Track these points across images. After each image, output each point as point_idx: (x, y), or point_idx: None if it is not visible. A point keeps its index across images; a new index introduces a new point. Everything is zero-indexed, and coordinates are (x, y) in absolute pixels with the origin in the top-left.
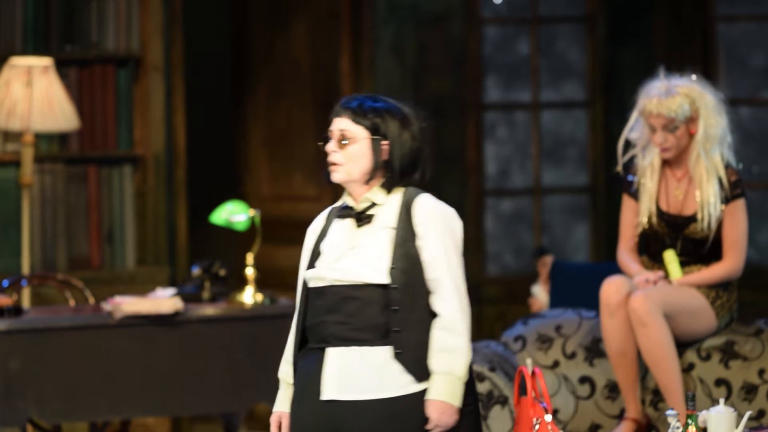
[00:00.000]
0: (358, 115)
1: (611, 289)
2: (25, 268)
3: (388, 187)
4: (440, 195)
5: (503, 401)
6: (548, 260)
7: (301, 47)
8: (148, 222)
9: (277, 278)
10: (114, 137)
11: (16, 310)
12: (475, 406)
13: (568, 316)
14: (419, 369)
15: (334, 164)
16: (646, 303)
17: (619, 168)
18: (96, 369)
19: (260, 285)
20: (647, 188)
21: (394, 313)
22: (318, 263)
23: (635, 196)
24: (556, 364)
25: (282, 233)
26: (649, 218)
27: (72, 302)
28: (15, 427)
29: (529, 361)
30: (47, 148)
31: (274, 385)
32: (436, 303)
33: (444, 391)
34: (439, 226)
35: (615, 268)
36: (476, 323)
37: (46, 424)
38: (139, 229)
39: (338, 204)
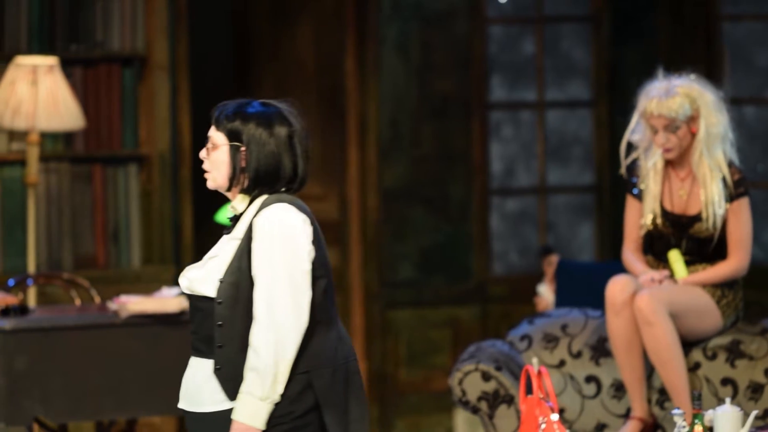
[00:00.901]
0: (219, 121)
1: (617, 288)
2: (31, 268)
3: (247, 194)
4: (445, 194)
5: (509, 400)
6: (554, 259)
7: (305, 46)
8: (154, 221)
9: None
10: (119, 136)
11: (22, 310)
12: (289, 427)
13: (574, 315)
14: (234, 387)
15: (205, 171)
16: (652, 302)
17: (623, 171)
18: (102, 368)
19: None
20: (651, 190)
21: (219, 328)
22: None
23: (639, 197)
24: (562, 364)
25: None
26: (654, 219)
27: (77, 301)
28: (21, 426)
29: (535, 361)
30: (52, 147)
31: None
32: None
33: (243, 412)
34: (269, 241)
35: (620, 267)
36: (481, 322)
37: (52, 423)
38: (145, 228)
39: None
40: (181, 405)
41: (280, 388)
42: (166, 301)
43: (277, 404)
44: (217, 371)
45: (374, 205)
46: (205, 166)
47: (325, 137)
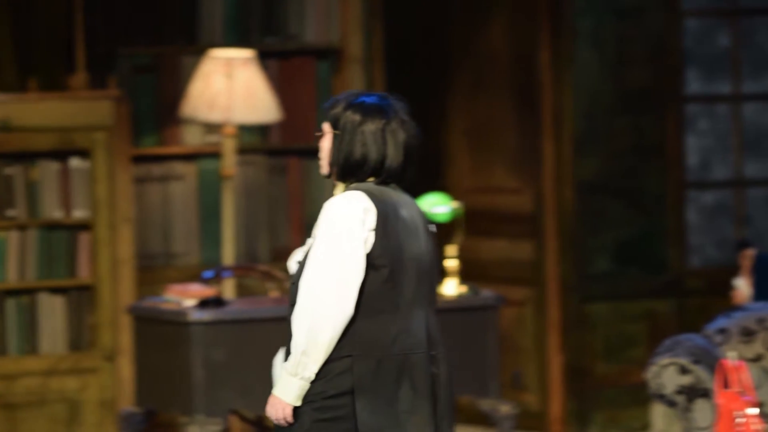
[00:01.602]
0: (327, 109)
1: None
2: (228, 260)
3: (341, 182)
4: (640, 187)
5: (706, 394)
6: (750, 253)
7: (500, 40)
8: None
9: (479, 270)
10: (314, 129)
11: (219, 302)
12: (318, 405)
13: None
14: None
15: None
16: None
17: None
18: None
19: (462, 277)
20: None
21: (290, 308)
22: None
23: None
24: (759, 358)
25: (483, 225)
26: None
27: (274, 293)
28: (218, 417)
29: (732, 354)
30: (248, 139)
31: (477, 377)
32: None
33: (278, 386)
34: (322, 227)
35: None
36: (678, 316)
37: (250, 415)
38: None
39: None
40: None
41: (313, 368)
42: None
43: (313, 383)
44: (285, 351)
45: (569, 198)
46: (320, 154)
47: (520, 131)
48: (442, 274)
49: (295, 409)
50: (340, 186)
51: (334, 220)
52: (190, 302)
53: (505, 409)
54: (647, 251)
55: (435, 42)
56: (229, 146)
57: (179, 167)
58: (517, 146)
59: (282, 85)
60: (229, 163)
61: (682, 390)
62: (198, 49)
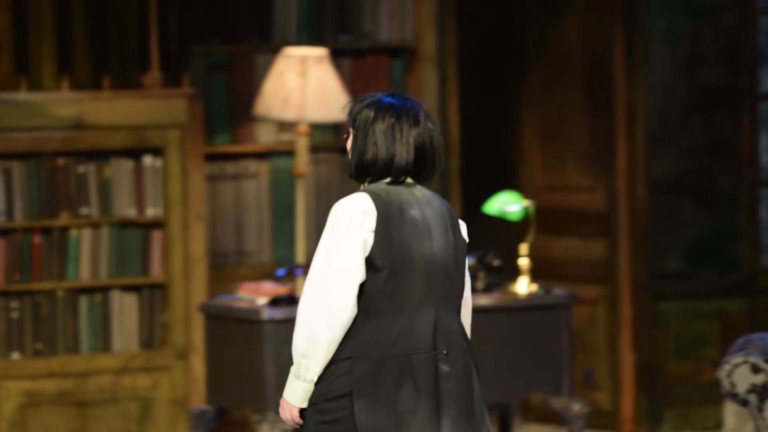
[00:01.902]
0: (347, 110)
1: None
2: (300, 258)
3: (359, 182)
4: (714, 186)
5: None
6: None
7: (574, 38)
8: None
9: (551, 269)
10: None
11: (291, 299)
12: (321, 407)
13: None
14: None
15: None
16: None
17: None
18: None
19: (534, 275)
20: None
21: None
22: None
23: None
24: None
25: (555, 224)
26: None
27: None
28: None
29: None
30: (321, 138)
31: (549, 376)
32: None
33: (285, 388)
34: (325, 228)
35: None
36: (750, 315)
37: None
38: None
39: None
40: None
41: (314, 369)
42: None
43: (316, 384)
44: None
45: (642, 197)
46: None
47: (593, 129)
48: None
49: (302, 411)
50: (360, 186)
51: (333, 224)
52: (262, 300)
53: (577, 407)
54: (720, 250)
55: (508, 40)
56: (302, 144)
57: (252, 165)
58: (590, 144)
59: (355, 83)
60: (302, 161)
61: (754, 389)
62: (272, 47)
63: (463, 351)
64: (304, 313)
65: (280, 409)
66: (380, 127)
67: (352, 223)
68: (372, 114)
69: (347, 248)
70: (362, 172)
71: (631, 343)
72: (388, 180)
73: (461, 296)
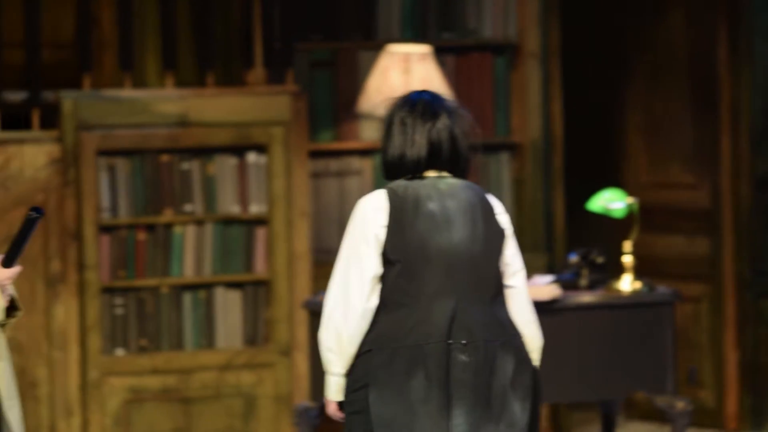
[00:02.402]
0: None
1: None
2: None
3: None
4: None
5: None
6: None
7: (678, 34)
8: (526, 209)
9: (655, 266)
10: (491, 124)
11: None
12: (348, 399)
13: None
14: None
15: None
16: None
17: None
18: None
19: (637, 273)
20: None
21: None
22: None
23: None
24: None
25: (659, 221)
26: None
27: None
28: None
29: None
30: None
31: (652, 373)
32: None
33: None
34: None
35: None
36: None
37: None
38: (517, 215)
39: None
40: None
41: (340, 363)
42: (539, 288)
43: (346, 377)
44: None
45: (746, 194)
46: None
47: (697, 126)
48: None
49: (341, 404)
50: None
51: (349, 222)
52: None
53: (680, 405)
54: None
55: (612, 37)
56: None
57: (355, 162)
58: (694, 142)
59: (459, 80)
60: None
61: None
62: (375, 44)
63: (485, 341)
64: (326, 309)
65: (326, 405)
66: (396, 125)
67: (363, 220)
68: (390, 114)
69: (358, 244)
70: (389, 171)
71: (735, 341)
72: (410, 175)
73: (495, 286)
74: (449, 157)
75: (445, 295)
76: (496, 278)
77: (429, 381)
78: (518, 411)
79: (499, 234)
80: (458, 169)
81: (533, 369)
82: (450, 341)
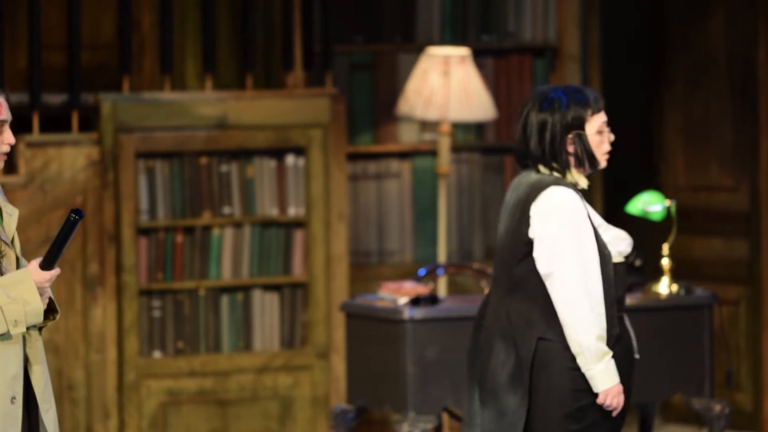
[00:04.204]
0: None
1: None
2: (441, 257)
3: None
4: None
5: None
6: None
7: (717, 36)
8: None
9: (693, 269)
10: None
11: (432, 299)
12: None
13: None
14: None
15: (608, 154)
16: None
17: None
18: None
19: (675, 275)
20: None
21: None
22: (611, 240)
23: None
24: None
25: (698, 224)
26: None
27: (487, 291)
28: (430, 414)
29: None
30: (464, 137)
31: (690, 376)
32: None
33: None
34: None
35: None
36: None
37: (462, 413)
38: None
39: (575, 185)
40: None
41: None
42: None
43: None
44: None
45: None
46: (609, 149)
47: (737, 128)
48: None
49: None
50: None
51: None
52: (403, 300)
53: (718, 408)
54: None
55: (652, 38)
56: (444, 144)
57: (394, 165)
58: (733, 144)
59: (498, 83)
60: (445, 160)
61: None
62: (415, 46)
63: (486, 327)
64: None
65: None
66: (522, 114)
67: None
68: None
69: None
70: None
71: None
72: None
73: (512, 279)
74: (538, 150)
75: (494, 285)
76: (516, 273)
77: None
78: (505, 399)
79: (524, 231)
80: (539, 161)
81: (523, 365)
82: (478, 324)
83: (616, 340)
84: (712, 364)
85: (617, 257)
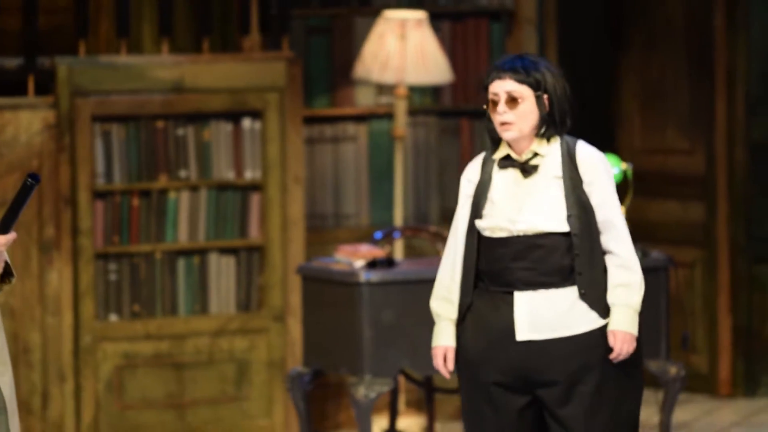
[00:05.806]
0: (521, 74)
1: None
2: (398, 221)
3: (549, 137)
4: None
5: None
6: None
7: (674, 2)
8: None
9: (649, 231)
10: None
11: (389, 262)
12: (640, 335)
13: None
14: (601, 306)
15: (505, 123)
16: None
17: None
18: None
19: (632, 238)
20: None
21: (576, 258)
22: (493, 213)
23: None
24: None
25: (654, 187)
26: None
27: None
28: (387, 377)
29: None
30: (420, 100)
31: (646, 339)
32: (610, 243)
33: (625, 322)
34: (603, 171)
35: None
36: None
37: (418, 376)
38: None
39: (493, 155)
40: (534, 336)
41: None
42: None
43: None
44: (583, 295)
45: (741, 160)
46: (507, 119)
47: (693, 92)
48: None
49: None
50: (539, 141)
51: (611, 169)
52: (359, 263)
53: (673, 370)
54: None
55: (608, 2)
56: (401, 107)
57: (351, 128)
58: (689, 107)
59: (454, 46)
60: (401, 124)
61: None
62: (372, 10)
63: None
64: (633, 249)
65: (625, 345)
66: (564, 84)
67: None
68: (554, 73)
69: None
70: (557, 126)
71: (728, 307)
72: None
73: None
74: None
75: None
76: None
77: None
78: None
79: None
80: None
81: None
82: None
83: (467, 309)
84: (668, 326)
85: (496, 232)
